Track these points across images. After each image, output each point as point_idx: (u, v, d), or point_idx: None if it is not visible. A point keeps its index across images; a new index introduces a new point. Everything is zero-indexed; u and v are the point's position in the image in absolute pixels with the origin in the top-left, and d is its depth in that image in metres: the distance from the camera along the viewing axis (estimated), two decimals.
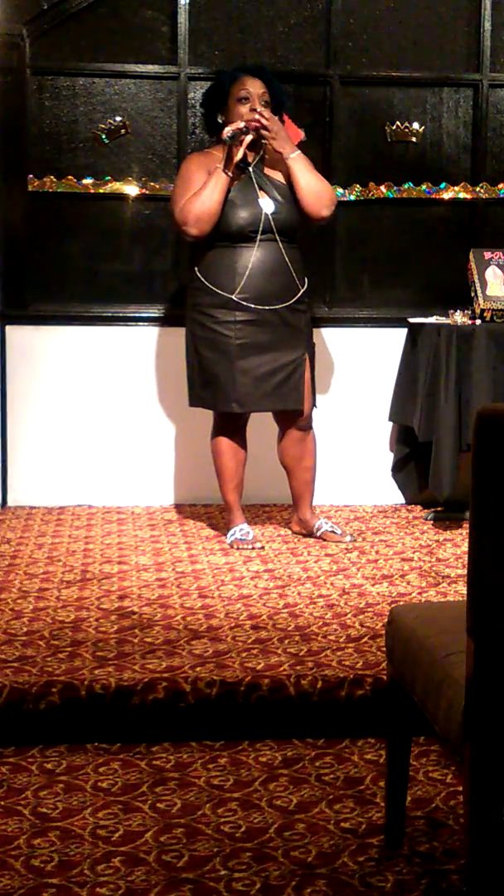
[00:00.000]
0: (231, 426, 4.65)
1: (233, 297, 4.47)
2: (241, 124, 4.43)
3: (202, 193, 4.43)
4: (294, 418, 4.64)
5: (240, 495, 4.69)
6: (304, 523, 4.75)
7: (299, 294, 4.57)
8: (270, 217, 4.49)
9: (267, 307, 4.50)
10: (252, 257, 4.48)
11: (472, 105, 5.49)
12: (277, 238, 4.50)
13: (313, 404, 4.69)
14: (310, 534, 4.73)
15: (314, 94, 5.41)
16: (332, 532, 4.69)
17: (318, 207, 4.56)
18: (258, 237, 4.47)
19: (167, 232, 5.33)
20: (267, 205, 4.50)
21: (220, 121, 4.57)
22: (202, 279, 4.52)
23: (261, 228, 4.47)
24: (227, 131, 4.42)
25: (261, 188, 4.53)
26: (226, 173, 4.44)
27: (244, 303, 4.47)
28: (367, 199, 5.45)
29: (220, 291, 4.48)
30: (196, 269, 4.57)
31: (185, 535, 4.83)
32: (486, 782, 1.99)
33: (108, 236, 5.38)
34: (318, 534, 4.70)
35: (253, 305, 4.48)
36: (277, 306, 4.52)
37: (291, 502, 4.82)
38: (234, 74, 4.59)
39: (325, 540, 4.67)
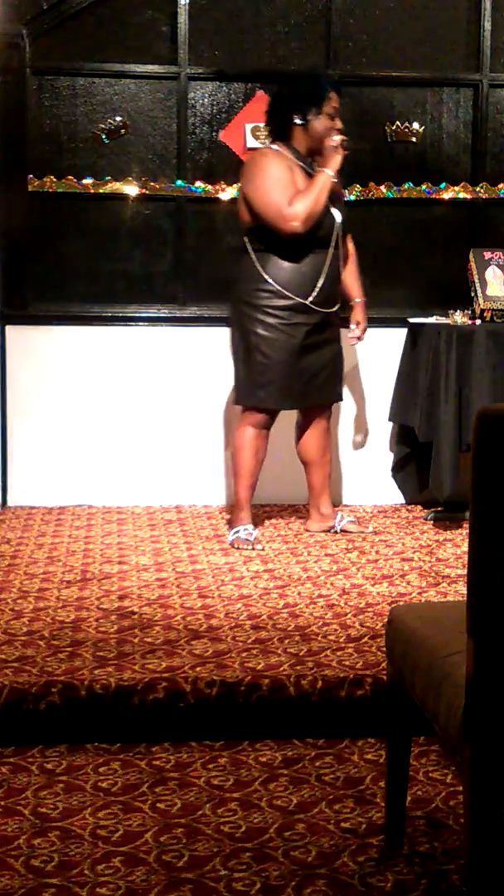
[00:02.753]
0: (265, 423, 4.65)
1: (307, 301, 4.51)
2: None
3: (311, 193, 4.42)
4: (328, 410, 4.79)
5: (252, 495, 4.70)
6: (325, 517, 4.80)
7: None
8: (338, 226, 4.57)
9: (328, 310, 4.60)
10: (326, 264, 4.52)
11: (472, 105, 5.49)
12: (339, 246, 4.60)
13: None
14: (329, 529, 4.77)
15: None
16: (353, 523, 4.77)
17: None
18: (332, 245, 4.54)
19: (167, 232, 5.33)
20: (338, 214, 4.58)
21: (297, 121, 4.49)
22: (273, 282, 4.49)
23: (334, 237, 4.54)
24: (341, 139, 4.46)
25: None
26: (333, 179, 4.48)
27: (314, 307, 4.53)
28: (367, 199, 5.45)
29: (293, 296, 4.49)
30: (262, 271, 4.50)
31: (185, 535, 4.83)
32: (486, 782, 2.00)
33: (108, 236, 5.38)
34: (340, 527, 4.76)
35: (321, 309, 4.55)
36: (334, 309, 4.64)
37: (307, 500, 4.87)
38: (333, 85, 4.58)
39: (346, 532, 4.75)
